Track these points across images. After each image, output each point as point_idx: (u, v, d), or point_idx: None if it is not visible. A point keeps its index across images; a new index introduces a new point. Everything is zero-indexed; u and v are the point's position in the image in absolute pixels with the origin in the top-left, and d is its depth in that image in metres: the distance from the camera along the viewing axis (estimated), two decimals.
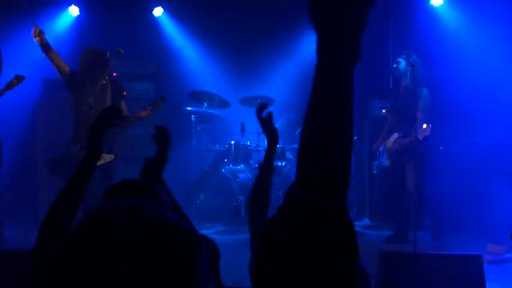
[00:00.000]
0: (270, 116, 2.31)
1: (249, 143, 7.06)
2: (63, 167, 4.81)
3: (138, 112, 4.93)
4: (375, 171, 6.08)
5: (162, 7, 7.97)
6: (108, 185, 4.79)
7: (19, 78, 4.97)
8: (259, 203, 2.14)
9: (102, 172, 4.80)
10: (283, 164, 6.91)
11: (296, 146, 7.08)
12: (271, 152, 2.26)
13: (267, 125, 2.29)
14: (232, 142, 7.04)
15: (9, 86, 4.96)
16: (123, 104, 5.09)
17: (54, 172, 4.92)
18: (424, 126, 5.04)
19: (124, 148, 5.29)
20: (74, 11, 7.66)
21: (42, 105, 6.95)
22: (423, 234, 5.58)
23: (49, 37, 7.55)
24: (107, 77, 4.78)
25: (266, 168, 2.22)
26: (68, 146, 4.94)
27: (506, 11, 6.47)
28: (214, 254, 2.16)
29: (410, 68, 5.08)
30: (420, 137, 5.19)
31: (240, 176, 6.82)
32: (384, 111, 6.81)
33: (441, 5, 7.31)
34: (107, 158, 4.80)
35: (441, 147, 5.60)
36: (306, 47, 8.07)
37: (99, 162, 4.80)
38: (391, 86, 7.74)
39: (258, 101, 6.93)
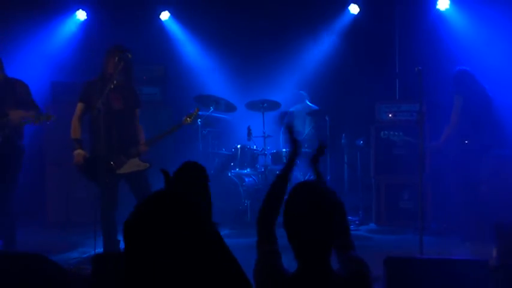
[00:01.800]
0: (292, 127, 2.39)
1: (255, 147, 7.07)
2: (89, 168, 4.79)
3: (166, 130, 4.95)
4: None
5: (169, 11, 8.01)
6: (144, 191, 4.71)
7: (49, 117, 5.01)
8: (271, 210, 2.16)
9: (138, 178, 4.84)
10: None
11: (302, 150, 7.10)
12: (290, 164, 2.30)
13: (291, 136, 2.35)
14: (239, 146, 7.05)
15: (38, 119, 5.02)
16: (136, 112, 5.03)
17: (83, 173, 4.87)
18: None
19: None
20: (81, 15, 7.72)
21: (50, 108, 6.98)
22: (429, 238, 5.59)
23: (56, 42, 7.67)
24: (114, 82, 4.75)
25: (283, 179, 2.25)
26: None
27: (510, 13, 6.49)
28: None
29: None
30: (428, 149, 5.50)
31: (246, 180, 6.83)
32: (389, 115, 6.81)
33: (447, 10, 7.31)
34: (141, 165, 4.82)
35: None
36: (312, 52, 8.10)
37: (132, 169, 4.78)
38: (397, 90, 7.77)
39: (265, 105, 6.95)
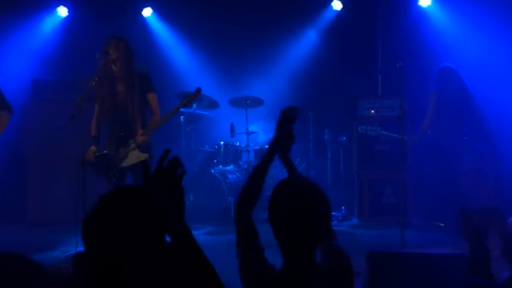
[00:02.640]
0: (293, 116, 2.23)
1: (238, 143, 7.07)
2: (95, 164, 4.80)
3: (169, 111, 4.82)
4: None
5: (151, 7, 7.96)
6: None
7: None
8: (249, 203, 2.15)
9: (139, 171, 4.73)
10: (273, 164, 6.93)
11: None
12: (271, 155, 2.25)
13: (288, 124, 2.21)
14: (222, 143, 7.05)
15: None
16: (150, 96, 4.88)
17: (93, 169, 4.84)
18: None
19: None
20: (62, 11, 7.63)
21: (31, 106, 6.92)
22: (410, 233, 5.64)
23: (37, 39, 7.57)
24: (96, 79, 4.72)
25: (262, 170, 2.22)
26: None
27: (492, 10, 6.56)
28: None
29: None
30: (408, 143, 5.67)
31: (230, 176, 6.82)
32: (372, 111, 6.86)
33: (429, 6, 7.38)
34: (141, 156, 4.76)
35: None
36: (295, 48, 8.11)
37: (133, 161, 4.70)
38: (379, 87, 7.82)
39: (248, 101, 6.95)
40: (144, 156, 4.78)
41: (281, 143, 2.23)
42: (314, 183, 1.97)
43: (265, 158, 2.22)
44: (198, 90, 4.86)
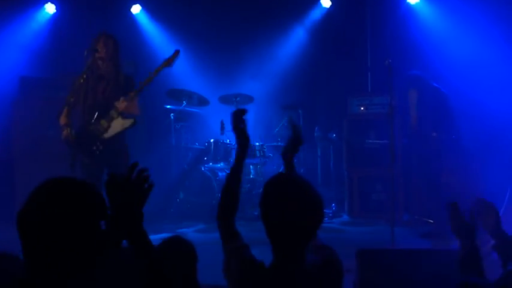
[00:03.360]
0: (244, 122, 2.31)
1: (228, 141, 7.06)
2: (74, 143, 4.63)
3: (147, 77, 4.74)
4: None
5: (140, 5, 7.92)
6: (125, 164, 4.39)
7: None
8: (230, 204, 2.15)
9: (115, 154, 4.63)
10: (263, 161, 6.94)
11: (275, 144, 7.13)
12: (243, 156, 2.27)
13: (243, 131, 2.27)
14: (212, 140, 7.03)
15: None
16: (121, 100, 4.72)
17: (71, 148, 4.64)
18: None
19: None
20: (50, 8, 7.57)
21: (19, 103, 6.85)
22: (401, 229, 5.67)
23: (24, 35, 7.51)
24: (84, 76, 4.68)
25: (237, 172, 2.23)
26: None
27: (481, 7, 6.59)
28: (190, 256, 2.18)
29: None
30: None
31: (220, 174, 6.81)
32: (362, 108, 6.87)
33: (418, 3, 7.41)
34: (125, 123, 4.64)
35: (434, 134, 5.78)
36: (285, 45, 8.11)
37: (117, 130, 4.53)
38: (369, 84, 7.84)
39: (238, 99, 6.94)
40: (129, 122, 4.66)
41: (241, 146, 2.27)
42: (306, 181, 1.96)
43: (235, 166, 2.24)
44: (177, 51, 4.76)
